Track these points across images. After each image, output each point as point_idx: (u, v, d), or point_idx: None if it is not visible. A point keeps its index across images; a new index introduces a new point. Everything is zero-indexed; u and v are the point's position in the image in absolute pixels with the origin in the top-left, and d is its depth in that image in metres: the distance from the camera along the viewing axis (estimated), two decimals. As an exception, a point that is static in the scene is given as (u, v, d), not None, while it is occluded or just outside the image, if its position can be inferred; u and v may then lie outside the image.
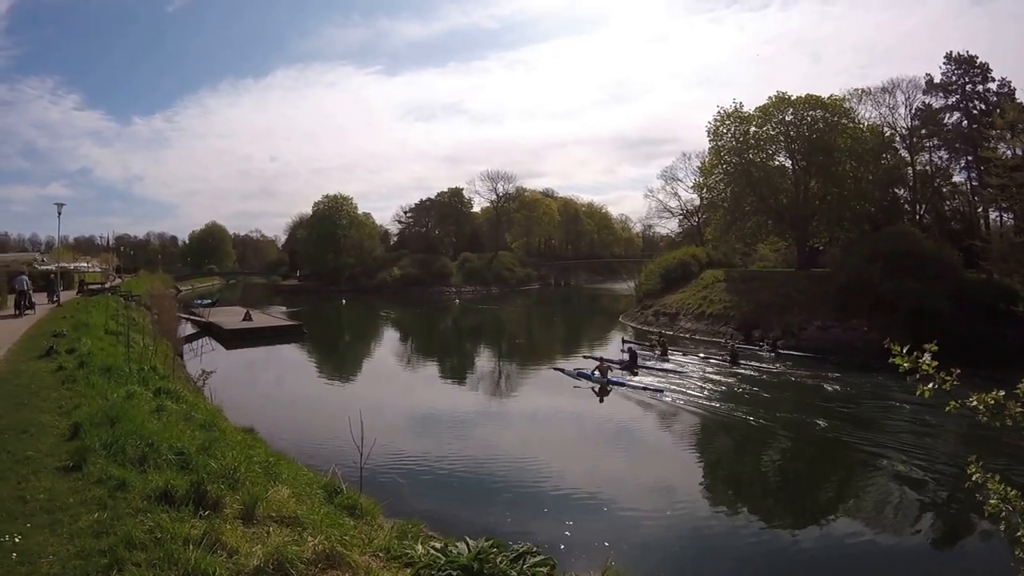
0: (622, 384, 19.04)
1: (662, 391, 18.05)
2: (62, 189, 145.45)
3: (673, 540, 8.96)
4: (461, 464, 12.28)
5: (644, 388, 18.49)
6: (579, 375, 20.39)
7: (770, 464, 13.23)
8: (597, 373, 19.60)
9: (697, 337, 30.56)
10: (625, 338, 28.52)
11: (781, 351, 25.69)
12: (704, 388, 18.89)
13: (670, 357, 24.50)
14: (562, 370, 21.76)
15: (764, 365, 23.10)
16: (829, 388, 19.24)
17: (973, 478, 3.22)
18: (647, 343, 26.99)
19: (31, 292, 22.67)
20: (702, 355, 25.14)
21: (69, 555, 3.83)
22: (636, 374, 20.90)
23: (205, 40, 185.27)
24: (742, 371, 21.71)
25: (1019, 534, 3.01)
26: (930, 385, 3.10)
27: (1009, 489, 3.08)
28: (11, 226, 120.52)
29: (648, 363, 22.77)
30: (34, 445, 6.06)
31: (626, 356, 22.59)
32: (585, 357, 24.13)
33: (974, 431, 12.45)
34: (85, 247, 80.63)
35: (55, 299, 25.51)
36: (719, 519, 9.93)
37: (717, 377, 20.62)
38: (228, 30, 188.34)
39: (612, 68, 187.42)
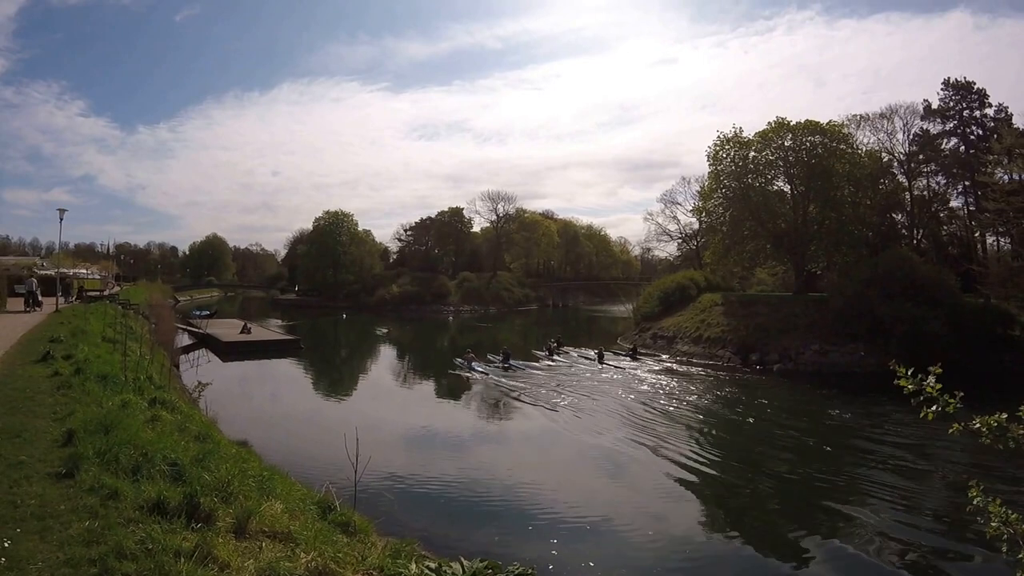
0: (475, 369, 25.37)
1: (488, 374, 24.67)
2: (65, 195, 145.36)
3: (661, 563, 8.82)
4: (455, 483, 12.13)
5: (483, 373, 24.94)
6: (458, 362, 26.95)
7: (756, 489, 13.04)
8: (466, 361, 26.37)
9: (694, 360, 30.48)
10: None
11: (639, 356, 30.96)
12: (556, 380, 23.98)
13: (555, 358, 29.89)
14: (456, 359, 27.77)
15: (624, 365, 28.16)
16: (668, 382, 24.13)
17: (975, 501, 3.20)
18: (549, 343, 32.73)
19: (38, 292, 26.29)
20: (579, 356, 30.42)
21: (58, 563, 3.78)
22: (507, 369, 26.26)
23: (212, 51, 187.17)
24: (602, 371, 26.77)
25: (1020, 556, 2.98)
26: (934, 408, 3.11)
27: (1010, 512, 3.06)
28: (12, 229, 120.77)
29: (521, 362, 27.87)
30: (27, 450, 6.00)
31: (500, 356, 28.15)
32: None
33: (972, 455, 12.41)
34: (85, 253, 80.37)
35: (69, 301, 28.50)
36: (711, 543, 9.79)
37: (584, 374, 25.63)
38: (235, 42, 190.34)
39: (617, 90, 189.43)
